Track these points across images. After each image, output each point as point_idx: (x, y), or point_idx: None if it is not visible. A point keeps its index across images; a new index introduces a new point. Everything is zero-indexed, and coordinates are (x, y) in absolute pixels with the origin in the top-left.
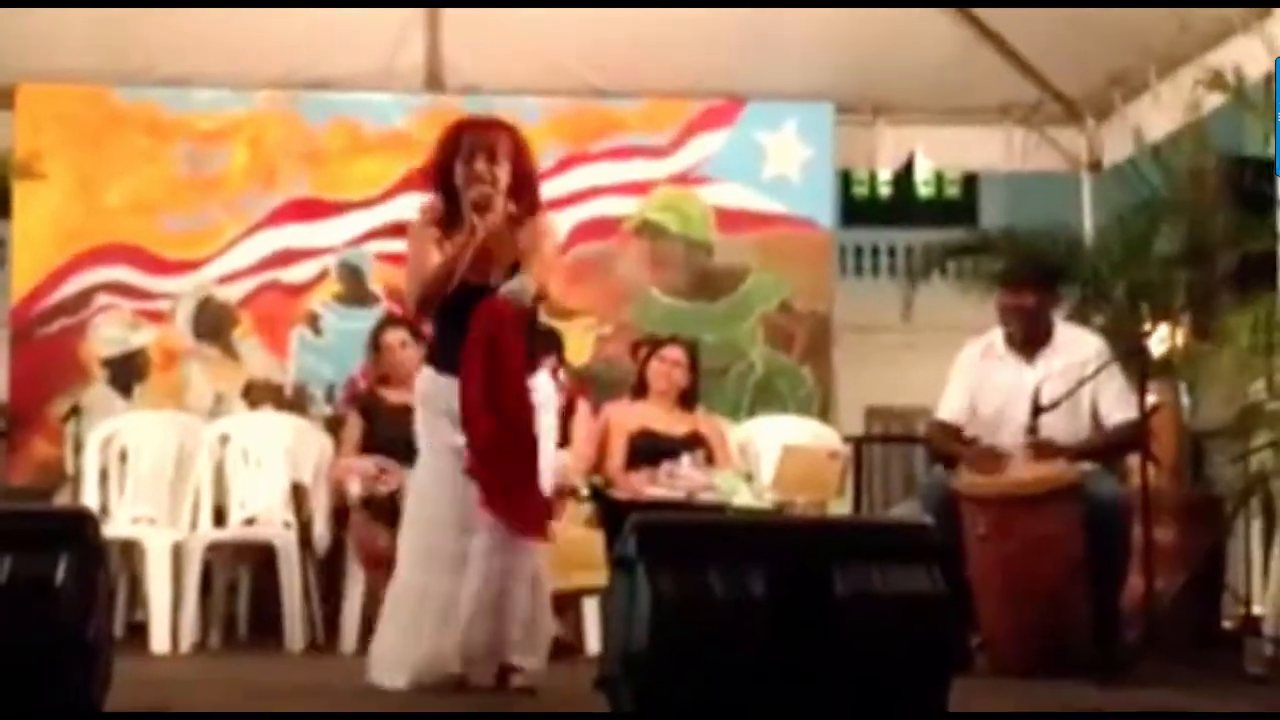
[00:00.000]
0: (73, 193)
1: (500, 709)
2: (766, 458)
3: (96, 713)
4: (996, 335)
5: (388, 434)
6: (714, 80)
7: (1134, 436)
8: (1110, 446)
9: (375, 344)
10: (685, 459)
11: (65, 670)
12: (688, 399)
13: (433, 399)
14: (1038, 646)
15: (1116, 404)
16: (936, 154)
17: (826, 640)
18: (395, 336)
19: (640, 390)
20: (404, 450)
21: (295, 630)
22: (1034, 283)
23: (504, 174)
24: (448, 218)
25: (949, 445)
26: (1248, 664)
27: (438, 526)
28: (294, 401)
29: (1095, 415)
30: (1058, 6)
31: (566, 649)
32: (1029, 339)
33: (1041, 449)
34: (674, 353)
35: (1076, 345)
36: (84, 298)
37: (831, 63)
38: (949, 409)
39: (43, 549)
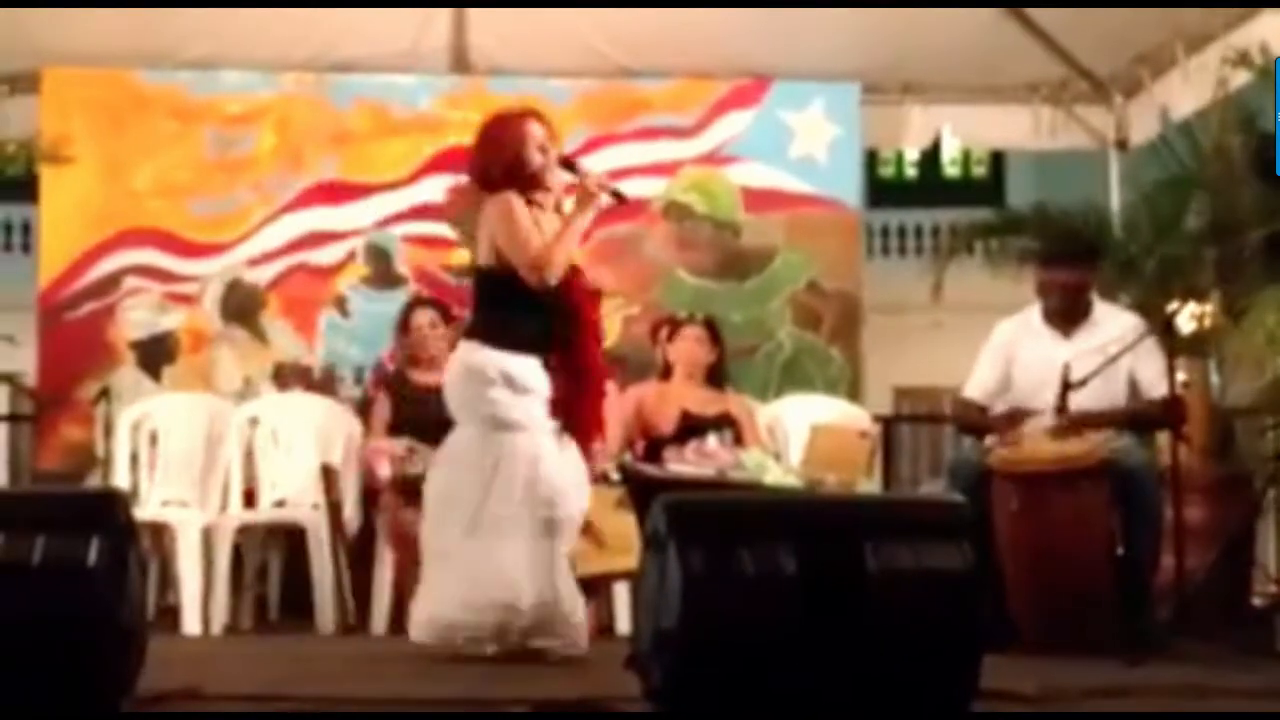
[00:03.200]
0: (100, 176)
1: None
2: (795, 437)
3: (129, 694)
4: (1034, 311)
5: (416, 415)
6: (741, 60)
7: (1165, 413)
8: (1140, 418)
9: (404, 325)
10: (712, 438)
11: (98, 651)
12: (715, 377)
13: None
14: (1068, 623)
15: (1158, 377)
16: (964, 133)
17: (858, 617)
18: (424, 317)
19: (667, 372)
20: (433, 431)
21: (326, 611)
22: (1076, 259)
23: None
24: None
25: (974, 417)
26: (1278, 642)
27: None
28: (322, 383)
29: (1134, 392)
30: None
31: (599, 630)
32: (1069, 315)
33: (1069, 426)
34: (694, 330)
35: (1115, 323)
36: (112, 281)
37: (858, 42)
38: (975, 387)
39: (74, 531)
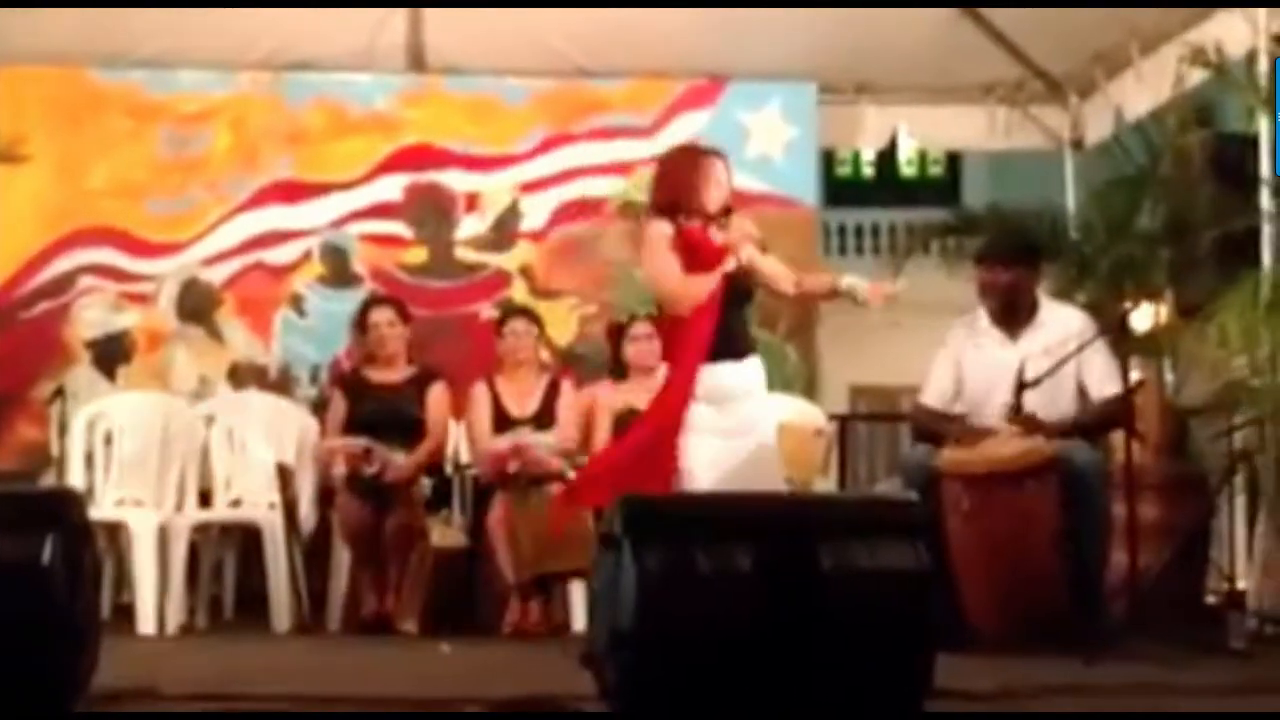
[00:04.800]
0: (55, 175)
1: None
2: None
3: (82, 693)
4: (981, 313)
5: (372, 414)
6: (697, 60)
7: (1118, 412)
8: (1095, 422)
9: (361, 323)
10: None
11: (52, 651)
12: None
13: None
14: (1021, 622)
15: (1104, 378)
16: (920, 133)
17: (812, 616)
18: (383, 315)
19: (620, 372)
20: (388, 430)
21: (281, 610)
22: (1010, 259)
23: None
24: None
25: (934, 426)
26: (1231, 639)
27: None
28: (278, 383)
29: (1082, 391)
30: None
31: (553, 629)
32: (1009, 316)
33: (1026, 424)
34: (644, 328)
35: (1060, 322)
36: (67, 280)
37: (814, 42)
38: (932, 393)
39: (29, 530)
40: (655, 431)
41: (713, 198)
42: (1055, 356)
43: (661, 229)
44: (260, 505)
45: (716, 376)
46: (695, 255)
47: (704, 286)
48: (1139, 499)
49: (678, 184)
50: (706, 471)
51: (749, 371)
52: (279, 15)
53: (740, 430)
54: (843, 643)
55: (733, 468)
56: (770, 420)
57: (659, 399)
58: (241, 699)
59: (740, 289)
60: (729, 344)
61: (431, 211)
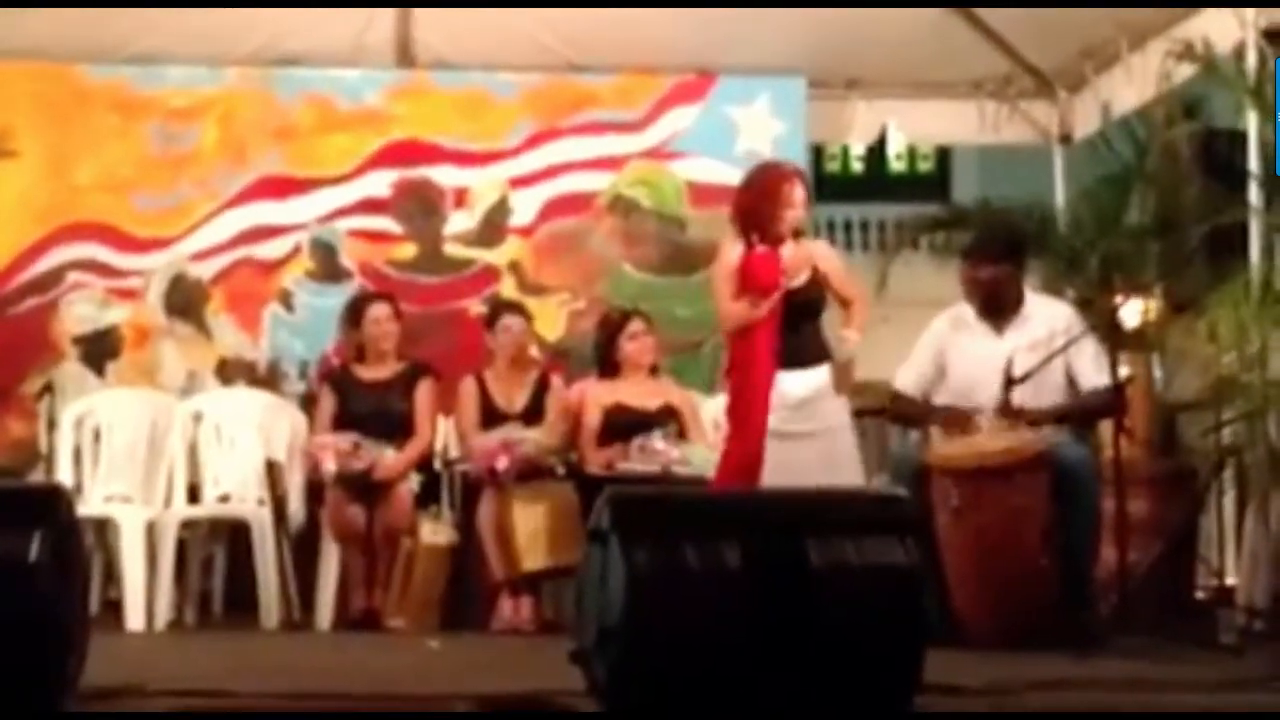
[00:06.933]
0: (43, 171)
1: None
2: None
3: (71, 690)
4: (967, 307)
5: (361, 410)
6: (686, 55)
7: (1108, 403)
8: (1084, 411)
9: (355, 317)
10: (657, 433)
11: (40, 648)
12: (655, 369)
13: None
14: (1010, 617)
15: (1093, 369)
16: (909, 128)
17: (801, 612)
18: (381, 310)
19: (610, 368)
20: (377, 427)
21: (270, 607)
22: (993, 256)
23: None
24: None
25: (914, 410)
26: (1221, 635)
27: None
28: (267, 379)
29: (1071, 383)
30: None
31: (549, 625)
32: (997, 310)
33: (1015, 413)
34: (641, 325)
35: (1047, 315)
36: (55, 276)
37: (803, 37)
38: (906, 380)
39: (17, 526)
40: (756, 442)
41: (786, 219)
42: (1041, 350)
43: (730, 254)
44: (249, 501)
45: (784, 385)
46: (752, 281)
47: (745, 310)
48: (1128, 494)
49: (756, 203)
50: (783, 475)
51: (815, 378)
52: (268, 11)
53: (813, 433)
54: (832, 639)
55: (808, 469)
56: (844, 421)
57: (731, 408)
58: (230, 696)
59: (806, 304)
60: (795, 355)
61: (420, 207)
